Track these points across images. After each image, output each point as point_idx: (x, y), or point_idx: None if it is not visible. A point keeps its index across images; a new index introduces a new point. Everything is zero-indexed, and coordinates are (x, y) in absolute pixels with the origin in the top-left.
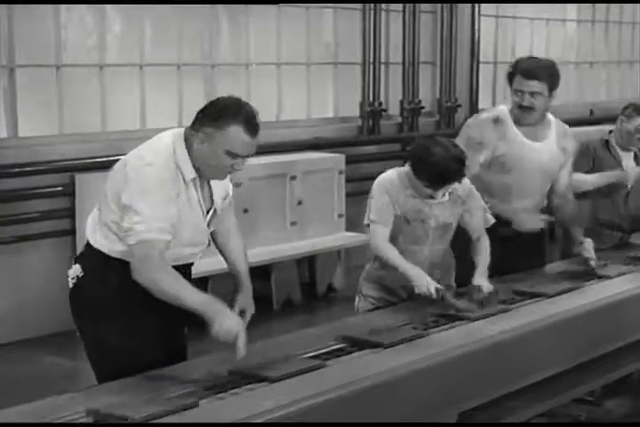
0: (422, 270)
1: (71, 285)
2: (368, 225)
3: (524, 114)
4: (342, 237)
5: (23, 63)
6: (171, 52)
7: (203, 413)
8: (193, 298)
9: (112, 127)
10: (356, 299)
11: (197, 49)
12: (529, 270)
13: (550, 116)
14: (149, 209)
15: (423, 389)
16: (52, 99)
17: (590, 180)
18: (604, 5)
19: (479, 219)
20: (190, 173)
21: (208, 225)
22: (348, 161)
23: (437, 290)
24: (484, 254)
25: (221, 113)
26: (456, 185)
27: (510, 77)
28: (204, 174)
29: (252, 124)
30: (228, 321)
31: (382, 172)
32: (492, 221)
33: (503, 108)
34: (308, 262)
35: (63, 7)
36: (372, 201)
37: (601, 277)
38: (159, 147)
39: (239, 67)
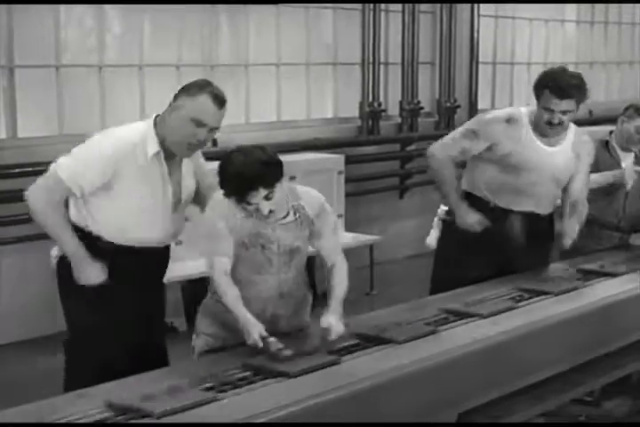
0: (256, 320)
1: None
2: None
3: (552, 130)
4: (341, 238)
5: (22, 63)
6: (170, 52)
7: None
8: (68, 241)
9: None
10: (193, 337)
11: (197, 49)
12: (523, 273)
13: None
14: (82, 164)
15: (423, 389)
16: (51, 99)
17: (593, 179)
18: (603, 6)
19: (331, 240)
20: (154, 147)
21: (176, 210)
22: (348, 161)
23: (264, 340)
24: (338, 287)
25: (193, 85)
26: (302, 203)
27: (538, 91)
28: (168, 150)
29: (219, 96)
30: (89, 268)
31: (383, 171)
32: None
33: (522, 110)
34: (307, 263)
35: (62, 7)
36: (206, 229)
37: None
38: (127, 130)
39: (238, 67)
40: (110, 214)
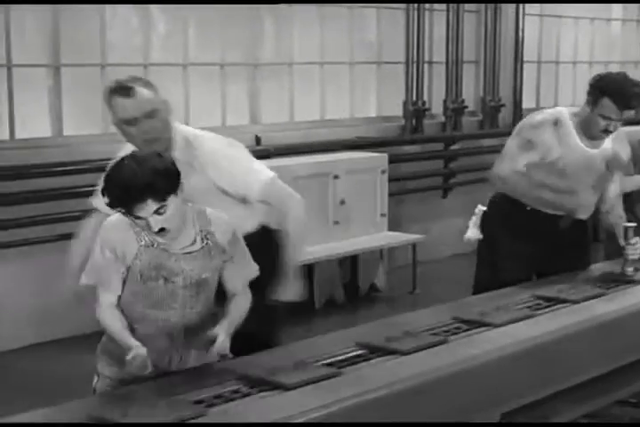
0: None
1: None
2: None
3: (604, 135)
4: (385, 237)
5: (68, 62)
6: (214, 52)
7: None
8: None
9: None
10: (95, 378)
11: (241, 49)
12: (565, 273)
13: None
14: None
15: (466, 390)
16: (96, 98)
17: (635, 181)
18: None
19: (240, 273)
20: None
21: None
22: (391, 160)
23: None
24: (235, 311)
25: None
26: (212, 229)
27: (596, 97)
28: None
29: (122, 88)
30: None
31: (426, 171)
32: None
33: (563, 111)
34: (350, 262)
35: (108, 7)
36: (93, 255)
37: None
38: None
39: (282, 66)
40: None
